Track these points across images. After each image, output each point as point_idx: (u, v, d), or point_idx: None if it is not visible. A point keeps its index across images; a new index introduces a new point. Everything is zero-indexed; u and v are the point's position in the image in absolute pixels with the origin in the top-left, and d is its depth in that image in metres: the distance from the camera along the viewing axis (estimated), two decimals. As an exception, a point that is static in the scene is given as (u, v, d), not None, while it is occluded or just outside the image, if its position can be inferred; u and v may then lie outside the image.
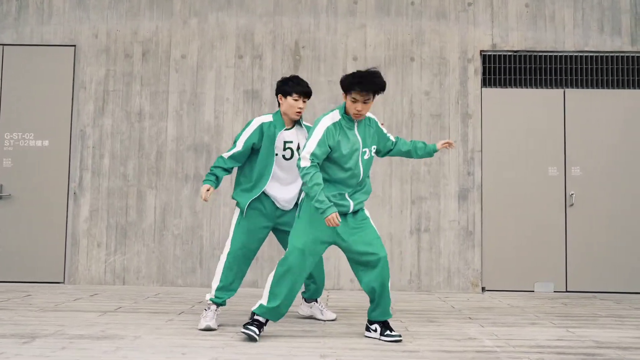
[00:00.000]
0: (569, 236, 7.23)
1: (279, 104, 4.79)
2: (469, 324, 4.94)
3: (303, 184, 4.17)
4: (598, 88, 7.41)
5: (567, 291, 7.16)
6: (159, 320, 4.90)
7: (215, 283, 4.67)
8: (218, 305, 4.68)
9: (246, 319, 5.01)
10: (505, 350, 3.96)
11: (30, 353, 3.72)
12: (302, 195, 4.38)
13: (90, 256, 7.36)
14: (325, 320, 5.01)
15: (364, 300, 6.23)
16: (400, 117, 7.38)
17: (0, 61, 7.55)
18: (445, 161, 7.34)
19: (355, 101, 4.15)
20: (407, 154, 4.64)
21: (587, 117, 7.35)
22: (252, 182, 4.68)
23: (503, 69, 7.47)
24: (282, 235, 4.86)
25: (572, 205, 7.25)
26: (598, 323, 5.04)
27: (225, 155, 4.69)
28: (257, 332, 4.19)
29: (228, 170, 4.69)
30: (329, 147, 4.18)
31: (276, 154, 4.68)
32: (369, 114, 4.41)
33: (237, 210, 4.75)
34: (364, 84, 4.09)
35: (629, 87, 7.41)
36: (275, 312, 4.27)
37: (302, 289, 5.08)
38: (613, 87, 7.41)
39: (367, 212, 4.43)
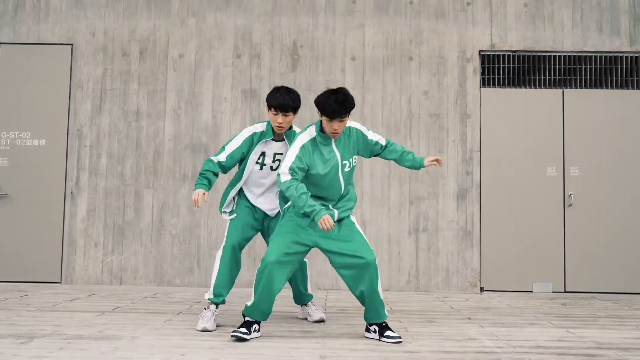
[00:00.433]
0: (568, 236, 7.23)
1: None
2: (469, 324, 4.92)
3: (290, 198, 4.16)
4: (597, 88, 7.40)
5: (565, 291, 7.16)
6: (157, 321, 4.87)
7: (213, 281, 4.68)
8: (217, 304, 4.66)
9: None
10: (506, 351, 3.95)
11: (28, 354, 3.69)
12: (289, 203, 4.39)
13: (87, 256, 7.33)
14: (313, 322, 4.97)
15: (363, 300, 6.22)
16: (398, 117, 7.36)
17: (-3, 60, 7.51)
18: (444, 161, 7.32)
19: (331, 120, 4.15)
20: (395, 161, 4.62)
21: (585, 117, 7.35)
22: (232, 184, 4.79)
23: (502, 69, 7.46)
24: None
25: (570, 205, 7.24)
26: (598, 324, 5.03)
27: (214, 159, 4.63)
28: (246, 331, 4.19)
29: (217, 175, 4.66)
30: (306, 164, 4.21)
31: (264, 165, 4.65)
32: (351, 124, 4.40)
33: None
34: (340, 113, 4.09)
35: (627, 88, 7.40)
36: (257, 311, 4.26)
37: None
38: (612, 87, 7.40)
39: (353, 218, 4.44)
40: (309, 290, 5.07)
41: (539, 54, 7.47)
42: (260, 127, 4.67)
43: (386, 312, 4.33)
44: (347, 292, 6.94)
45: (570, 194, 7.24)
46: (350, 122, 4.41)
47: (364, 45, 7.47)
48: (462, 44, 7.47)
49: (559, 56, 7.45)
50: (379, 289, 4.25)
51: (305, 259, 4.92)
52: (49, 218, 7.36)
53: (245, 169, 4.66)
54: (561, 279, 7.18)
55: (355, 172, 6.96)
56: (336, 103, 4.08)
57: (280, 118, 4.48)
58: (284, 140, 4.66)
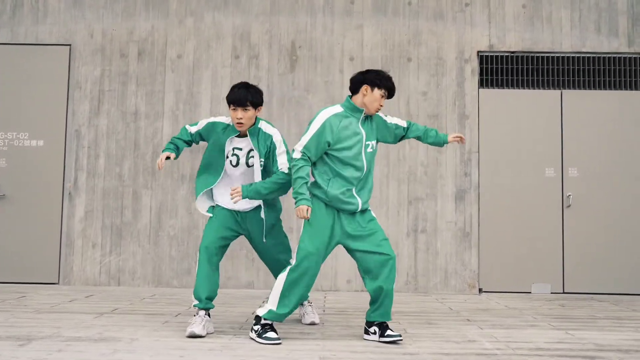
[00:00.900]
0: (566, 237, 7.23)
1: None
2: (468, 326, 4.92)
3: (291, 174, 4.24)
4: (595, 89, 7.41)
5: (564, 292, 7.16)
6: (156, 322, 4.86)
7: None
8: (204, 310, 4.45)
9: (243, 320, 5.00)
10: (506, 352, 3.95)
11: (27, 356, 3.68)
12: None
13: (85, 257, 7.31)
14: (306, 324, 4.92)
15: (362, 301, 6.22)
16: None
17: (-5, 60, 7.49)
18: (442, 162, 7.33)
19: (383, 97, 4.31)
20: (418, 139, 4.61)
21: (584, 118, 7.35)
22: (204, 180, 4.65)
23: (500, 70, 7.46)
24: (255, 245, 4.74)
25: (569, 206, 7.25)
26: (597, 325, 5.03)
27: (189, 128, 4.68)
28: (277, 335, 4.19)
29: (188, 144, 4.69)
30: (328, 142, 4.19)
31: (228, 158, 4.60)
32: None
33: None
34: (394, 91, 4.35)
35: (626, 88, 7.41)
36: (283, 317, 4.28)
37: None
38: (610, 88, 7.41)
39: (373, 213, 4.44)
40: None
41: (538, 54, 7.47)
42: (224, 120, 4.63)
43: (390, 314, 4.32)
44: (345, 292, 6.95)
45: (569, 195, 7.24)
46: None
47: (362, 46, 7.47)
48: (460, 44, 7.47)
49: (558, 57, 7.46)
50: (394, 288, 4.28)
51: None
52: (47, 219, 7.34)
53: (218, 165, 4.57)
54: (560, 280, 7.19)
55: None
56: (392, 83, 4.32)
57: (239, 113, 4.42)
58: (247, 136, 4.54)
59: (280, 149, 4.53)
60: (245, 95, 4.41)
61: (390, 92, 4.33)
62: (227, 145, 4.55)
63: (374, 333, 4.29)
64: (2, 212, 7.34)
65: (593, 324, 5.07)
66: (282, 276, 4.23)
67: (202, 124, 4.69)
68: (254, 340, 4.21)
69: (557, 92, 7.40)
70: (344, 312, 5.57)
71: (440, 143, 4.59)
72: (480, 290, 7.19)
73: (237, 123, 4.44)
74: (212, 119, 4.67)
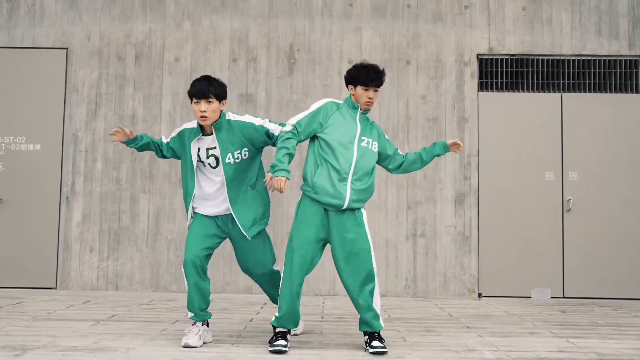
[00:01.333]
0: (566, 242, 7.19)
1: None
2: (468, 333, 4.88)
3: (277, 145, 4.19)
4: (596, 92, 7.36)
5: (564, 297, 7.12)
6: (153, 330, 4.82)
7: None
8: (202, 321, 4.37)
9: (241, 328, 4.96)
10: (506, 362, 3.91)
11: (22, 368, 3.63)
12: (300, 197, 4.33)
13: (82, 261, 7.26)
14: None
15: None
16: (396, 121, 7.31)
17: (-9, 63, 7.44)
18: (442, 166, 7.28)
19: (367, 90, 4.25)
20: (417, 161, 4.50)
21: (584, 122, 7.31)
22: (185, 191, 4.48)
23: (500, 73, 7.41)
24: (237, 251, 4.56)
25: (569, 210, 7.20)
26: (598, 333, 4.99)
27: (164, 138, 4.55)
28: (284, 344, 4.13)
29: (156, 147, 4.50)
30: (320, 122, 4.20)
31: (201, 162, 4.37)
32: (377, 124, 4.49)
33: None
34: (376, 81, 4.25)
35: (626, 92, 7.37)
36: (288, 319, 4.22)
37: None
38: (611, 91, 7.37)
39: (365, 216, 4.28)
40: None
41: (537, 57, 7.42)
42: (191, 124, 4.45)
43: (381, 322, 4.22)
44: (343, 297, 6.89)
45: (569, 199, 7.20)
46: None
47: (361, 49, 7.42)
48: (459, 47, 7.43)
49: (558, 60, 7.42)
50: (375, 298, 4.19)
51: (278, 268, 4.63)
52: (44, 223, 7.30)
53: (190, 172, 4.40)
54: (560, 285, 7.15)
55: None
56: (373, 72, 4.25)
57: (203, 106, 4.20)
58: (212, 133, 4.35)
59: (259, 122, 4.39)
60: (207, 87, 4.22)
61: (371, 83, 4.24)
62: (194, 146, 4.34)
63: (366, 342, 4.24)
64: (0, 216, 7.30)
65: (594, 332, 5.03)
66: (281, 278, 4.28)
67: (174, 133, 4.53)
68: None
69: (557, 95, 7.36)
70: (342, 318, 5.53)
71: (437, 152, 4.51)
72: (479, 295, 7.15)
73: (201, 117, 4.23)
74: (182, 126, 4.50)
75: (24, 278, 7.23)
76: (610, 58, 7.41)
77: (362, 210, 4.28)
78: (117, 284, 7.24)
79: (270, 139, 4.39)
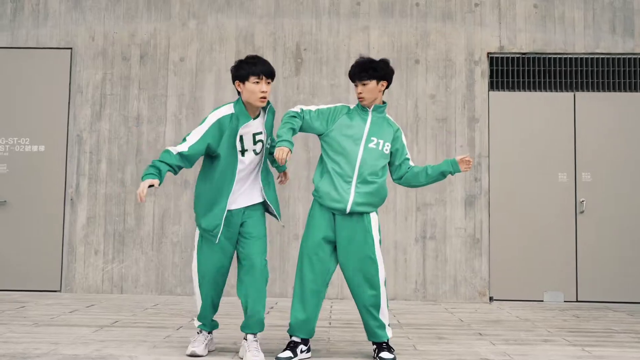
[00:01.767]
0: (580, 244, 7.03)
1: (238, 93, 4.06)
2: (479, 340, 4.74)
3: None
4: (609, 91, 7.20)
5: (577, 301, 6.96)
6: (157, 337, 4.70)
7: (198, 307, 4.17)
8: (209, 331, 4.22)
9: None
10: (520, 373, 3.77)
11: (20, 378, 3.53)
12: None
13: (87, 264, 7.17)
14: None
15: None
16: (405, 121, 7.17)
17: (-5, 64, 7.35)
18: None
19: (356, 85, 4.15)
20: (421, 174, 4.20)
21: (598, 121, 7.14)
22: (213, 194, 3.98)
23: (511, 72, 7.26)
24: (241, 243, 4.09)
25: (582, 212, 7.04)
26: (614, 340, 4.83)
27: (173, 150, 3.87)
28: (290, 355, 4.00)
29: (173, 169, 3.85)
30: (326, 123, 4.11)
31: (245, 150, 3.99)
32: (397, 125, 4.25)
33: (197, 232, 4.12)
34: (359, 74, 4.11)
35: (640, 90, 7.20)
36: (299, 328, 4.07)
37: None
38: (625, 90, 7.20)
39: (374, 222, 4.07)
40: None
41: (550, 56, 7.27)
42: (227, 110, 4.00)
43: (387, 332, 4.07)
44: (352, 301, 6.73)
45: (582, 201, 7.04)
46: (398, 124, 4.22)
47: (368, 48, 7.28)
48: (470, 46, 7.28)
49: (570, 58, 7.25)
50: (380, 310, 4.04)
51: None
52: (49, 225, 7.21)
53: (229, 168, 3.96)
54: (573, 288, 6.99)
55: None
56: (356, 66, 4.12)
57: (264, 86, 3.95)
58: (259, 115, 4.08)
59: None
60: (271, 67, 4.03)
61: (355, 78, 4.12)
62: (245, 133, 3.96)
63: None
64: (3, 218, 7.21)
65: (610, 339, 4.87)
66: None
67: (205, 127, 3.92)
68: None
69: (570, 94, 7.20)
70: (350, 324, 5.40)
71: (443, 168, 4.16)
72: (490, 299, 7.00)
73: (262, 97, 3.95)
74: (216, 115, 3.96)
75: (29, 281, 7.14)
76: (624, 56, 7.24)
77: (372, 215, 4.09)
78: (122, 287, 7.14)
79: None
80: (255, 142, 4.02)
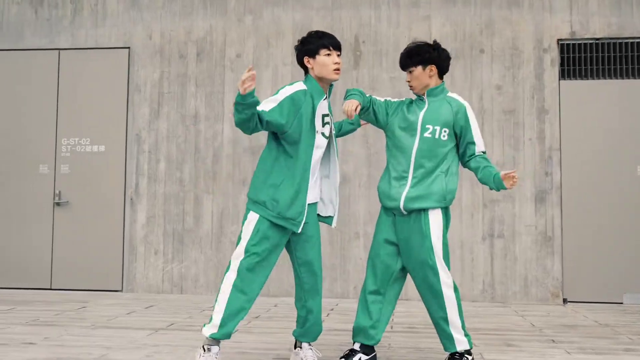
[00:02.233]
0: (662, 242, 6.54)
1: (306, 71, 3.74)
2: (553, 349, 4.39)
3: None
4: (693, 77, 6.67)
5: (659, 303, 6.49)
6: (211, 341, 4.56)
7: (218, 314, 3.58)
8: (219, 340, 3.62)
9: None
10: (599, 387, 3.44)
11: (69, 385, 3.44)
12: None
13: (147, 264, 7.15)
14: None
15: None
16: (469, 114, 6.82)
17: (57, 66, 7.41)
18: (520, 160, 6.76)
19: (407, 74, 3.91)
20: (476, 172, 3.80)
21: (680, 110, 6.62)
22: (293, 181, 3.56)
23: (583, 59, 6.81)
24: (297, 245, 3.74)
25: (664, 207, 6.54)
26: None
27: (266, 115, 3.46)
28: None
29: (261, 122, 3.41)
30: (386, 115, 3.88)
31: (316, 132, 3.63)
32: (459, 99, 3.83)
33: (255, 216, 3.61)
34: (399, 62, 3.92)
35: None
36: (357, 332, 3.84)
37: None
38: None
39: (434, 221, 3.69)
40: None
41: (626, 41, 6.78)
42: (295, 87, 3.61)
43: (455, 345, 3.73)
44: (419, 302, 6.45)
45: (664, 195, 6.54)
46: (462, 100, 3.85)
47: (430, 38, 6.96)
48: (538, 33, 6.87)
49: (649, 43, 6.75)
50: (449, 321, 3.71)
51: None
52: (109, 225, 7.23)
53: (307, 152, 3.57)
54: (655, 290, 6.51)
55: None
56: (401, 54, 3.89)
57: (336, 57, 3.65)
58: (326, 97, 3.73)
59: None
60: (338, 40, 3.74)
61: (402, 67, 3.89)
62: (318, 111, 3.65)
63: None
64: (65, 218, 7.27)
65: (699, 347, 4.45)
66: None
67: (275, 101, 3.51)
68: None
69: (649, 81, 6.70)
70: (414, 328, 5.13)
71: (490, 180, 3.71)
72: (564, 301, 6.59)
73: (336, 69, 3.65)
74: (287, 93, 3.55)
75: (91, 281, 7.18)
76: None
77: (431, 213, 3.71)
78: (181, 286, 7.09)
79: None
80: (323, 124, 3.69)
